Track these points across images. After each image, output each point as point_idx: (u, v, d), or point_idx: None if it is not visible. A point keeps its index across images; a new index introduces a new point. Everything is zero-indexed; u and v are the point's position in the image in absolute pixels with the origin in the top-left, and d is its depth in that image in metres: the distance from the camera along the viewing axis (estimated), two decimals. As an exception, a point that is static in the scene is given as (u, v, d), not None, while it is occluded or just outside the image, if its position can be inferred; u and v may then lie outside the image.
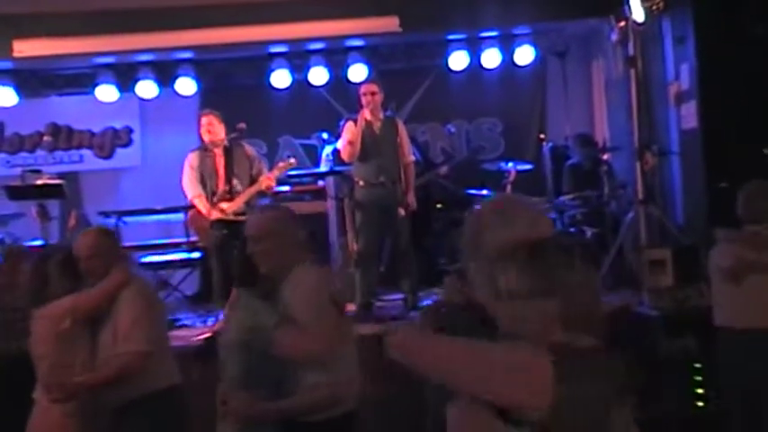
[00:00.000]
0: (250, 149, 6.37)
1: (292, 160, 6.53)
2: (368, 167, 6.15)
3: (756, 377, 4.05)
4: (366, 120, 6.12)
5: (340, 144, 6.41)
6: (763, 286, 4.01)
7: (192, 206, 6.11)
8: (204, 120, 6.19)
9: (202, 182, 6.10)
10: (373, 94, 6.09)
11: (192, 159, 6.17)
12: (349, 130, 6.15)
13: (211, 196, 6.05)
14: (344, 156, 6.23)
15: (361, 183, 6.19)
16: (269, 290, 2.93)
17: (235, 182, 6.09)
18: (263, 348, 2.81)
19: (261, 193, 6.21)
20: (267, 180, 6.10)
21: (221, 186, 6.07)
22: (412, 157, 6.42)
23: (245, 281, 3.03)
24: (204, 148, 6.21)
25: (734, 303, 4.11)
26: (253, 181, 6.14)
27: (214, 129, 6.12)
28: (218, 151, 6.14)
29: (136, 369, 3.37)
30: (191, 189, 6.11)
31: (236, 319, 3.04)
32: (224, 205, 5.99)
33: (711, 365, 4.59)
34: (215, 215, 5.99)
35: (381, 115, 6.24)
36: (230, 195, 6.04)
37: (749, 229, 4.15)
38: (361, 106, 6.14)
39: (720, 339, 4.25)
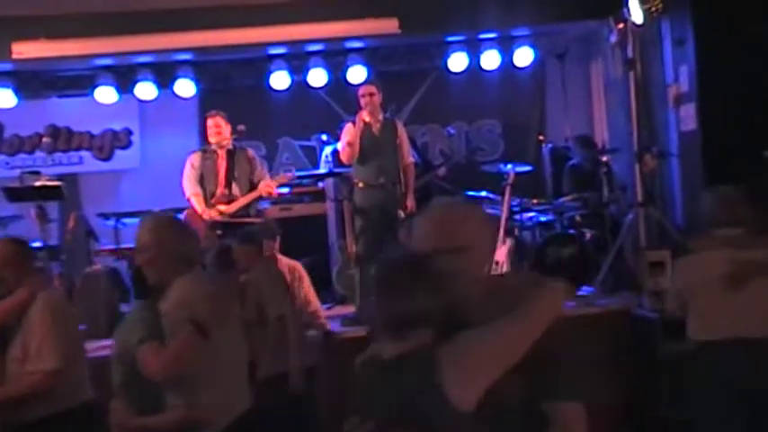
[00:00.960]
0: (252, 154, 6.39)
1: (294, 173, 6.55)
2: (367, 169, 6.15)
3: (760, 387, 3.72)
4: (365, 121, 6.11)
5: (339, 146, 6.41)
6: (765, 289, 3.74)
7: (190, 206, 6.12)
8: (210, 121, 6.22)
9: (201, 182, 6.13)
10: (371, 95, 6.09)
11: (194, 159, 6.21)
12: (348, 132, 6.15)
13: (209, 198, 6.07)
14: (344, 157, 6.23)
15: (361, 184, 6.19)
16: (156, 302, 2.83)
17: (234, 186, 6.11)
18: (133, 363, 2.76)
19: (260, 197, 6.24)
20: (267, 187, 6.14)
21: (220, 189, 6.08)
22: (411, 159, 6.42)
23: (137, 292, 2.97)
24: (206, 150, 6.24)
25: (736, 311, 3.76)
26: (252, 186, 6.16)
27: (221, 130, 6.16)
28: (221, 153, 6.17)
29: (47, 388, 3.27)
30: (189, 187, 6.14)
31: (117, 332, 3.00)
32: (221, 207, 6.00)
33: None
34: (209, 216, 6.00)
35: (380, 117, 6.25)
36: (228, 199, 6.06)
37: (731, 233, 3.87)
38: (360, 108, 6.15)
39: (716, 352, 3.82)
